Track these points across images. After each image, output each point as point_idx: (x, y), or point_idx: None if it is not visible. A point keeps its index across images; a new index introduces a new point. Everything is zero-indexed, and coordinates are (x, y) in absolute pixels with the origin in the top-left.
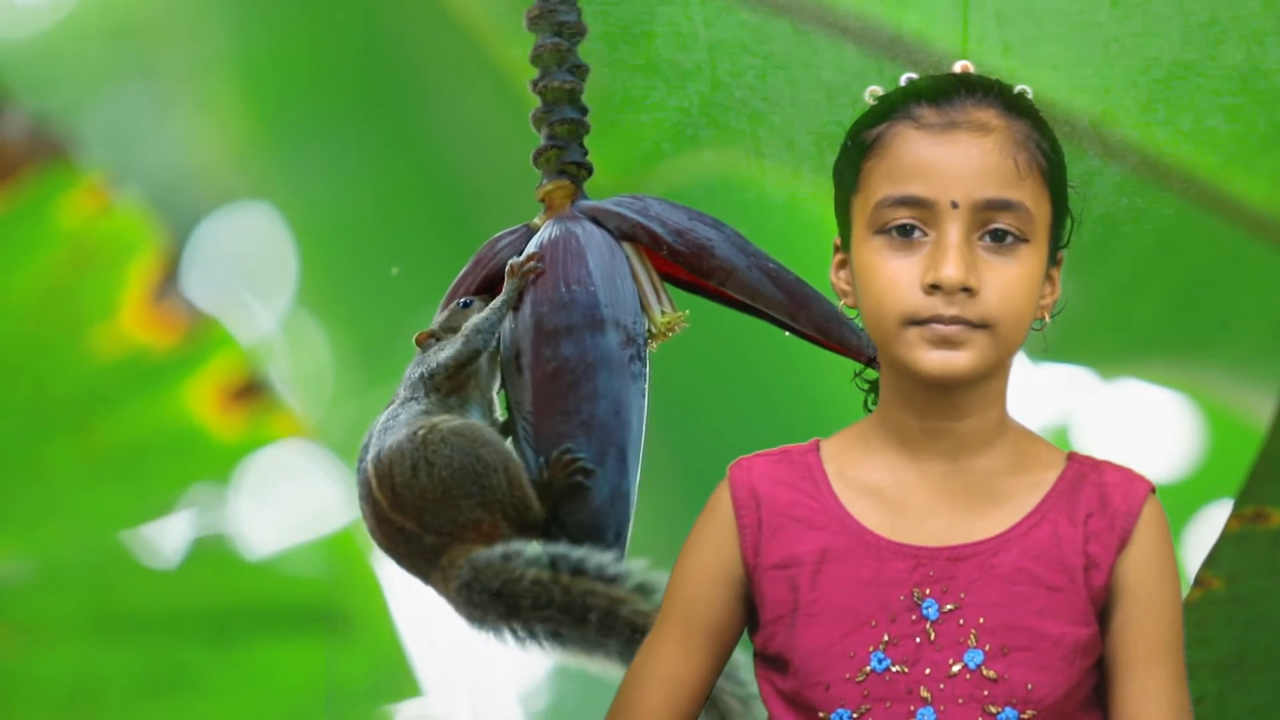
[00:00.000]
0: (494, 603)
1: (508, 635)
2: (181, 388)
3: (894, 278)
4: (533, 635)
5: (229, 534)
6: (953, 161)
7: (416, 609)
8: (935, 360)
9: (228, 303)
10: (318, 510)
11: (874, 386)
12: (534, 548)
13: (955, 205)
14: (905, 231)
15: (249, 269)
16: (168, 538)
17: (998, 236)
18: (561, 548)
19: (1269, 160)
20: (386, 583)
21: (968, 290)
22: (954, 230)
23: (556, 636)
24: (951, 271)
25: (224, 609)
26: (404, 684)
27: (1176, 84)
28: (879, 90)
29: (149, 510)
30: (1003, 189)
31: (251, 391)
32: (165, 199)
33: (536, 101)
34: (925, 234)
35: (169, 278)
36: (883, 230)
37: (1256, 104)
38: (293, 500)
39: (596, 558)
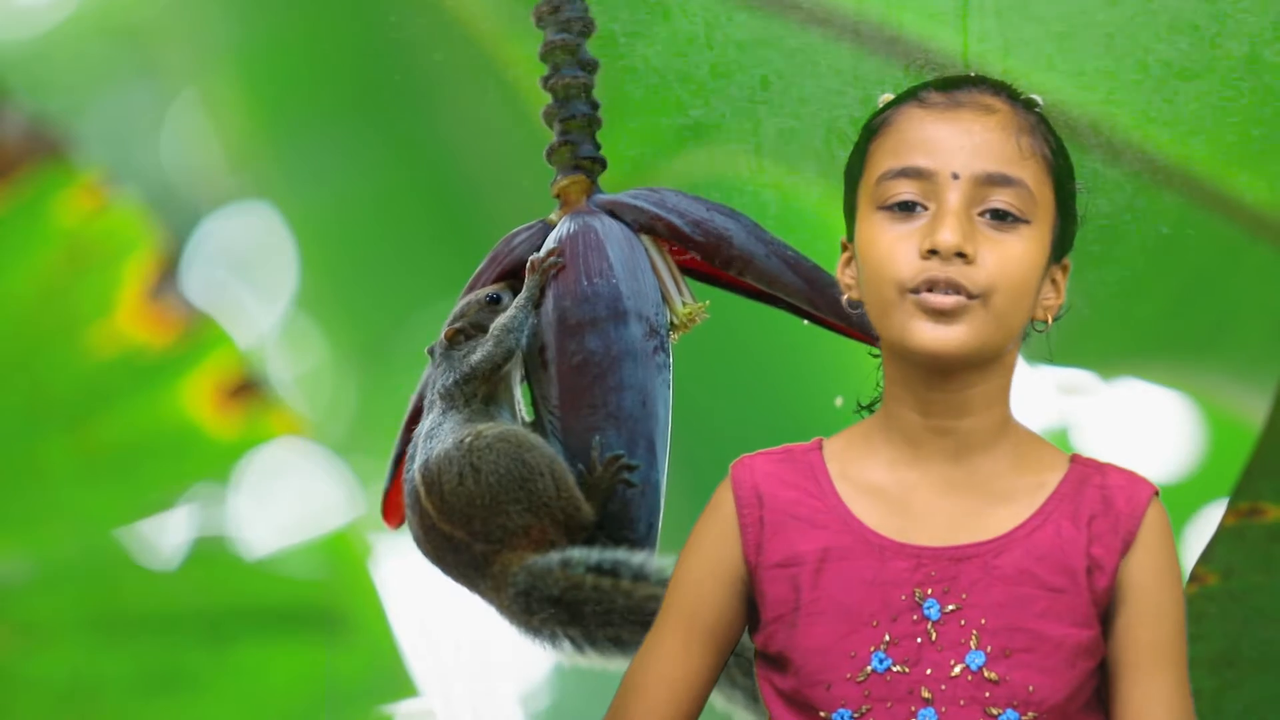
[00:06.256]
0: (554, 610)
1: (565, 642)
2: (177, 386)
3: (893, 246)
4: (592, 642)
5: (227, 534)
6: (955, 135)
7: (415, 609)
8: (928, 334)
9: (225, 301)
10: (316, 510)
11: None
12: (592, 554)
13: (956, 176)
14: (907, 207)
15: (248, 269)
16: (165, 537)
17: (999, 215)
18: (620, 553)
19: (1269, 160)
20: (385, 583)
21: (963, 257)
22: (953, 199)
23: (618, 642)
24: (948, 236)
25: (221, 609)
26: (402, 684)
27: (1176, 84)
28: (890, 97)
29: (145, 509)
30: (1004, 165)
31: (248, 389)
32: (165, 198)
33: (539, 99)
34: (926, 208)
35: (165, 276)
36: (885, 206)
37: (1256, 104)
38: (291, 500)
39: (656, 562)
